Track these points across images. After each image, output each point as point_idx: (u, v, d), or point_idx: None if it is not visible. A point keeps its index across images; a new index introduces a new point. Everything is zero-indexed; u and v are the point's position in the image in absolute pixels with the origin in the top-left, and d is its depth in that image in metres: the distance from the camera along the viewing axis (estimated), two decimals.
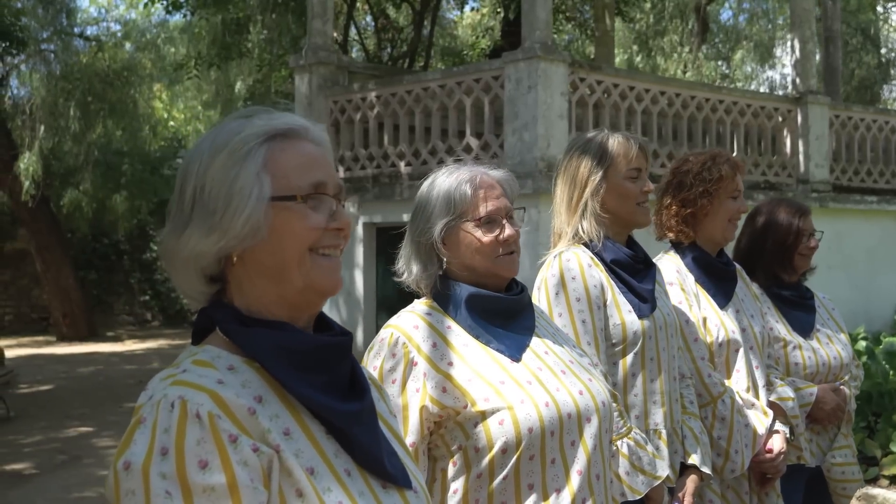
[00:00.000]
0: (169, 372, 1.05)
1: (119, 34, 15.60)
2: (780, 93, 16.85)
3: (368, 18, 13.45)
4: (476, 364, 1.63)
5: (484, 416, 1.57)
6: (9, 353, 9.40)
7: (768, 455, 2.44)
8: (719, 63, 21.93)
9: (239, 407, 1.01)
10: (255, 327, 1.08)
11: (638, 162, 2.17)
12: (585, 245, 2.15)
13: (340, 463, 1.07)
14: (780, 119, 8.54)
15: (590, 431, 1.63)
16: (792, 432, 2.55)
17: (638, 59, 18.91)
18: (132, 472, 0.96)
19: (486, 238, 1.67)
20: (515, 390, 1.60)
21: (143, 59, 14.60)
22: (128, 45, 15.27)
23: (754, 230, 2.82)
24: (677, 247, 2.56)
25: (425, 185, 1.75)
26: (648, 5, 16.20)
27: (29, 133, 13.07)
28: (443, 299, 1.71)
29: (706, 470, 2.22)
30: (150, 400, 1.01)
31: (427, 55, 11.85)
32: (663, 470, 2.05)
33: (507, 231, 1.69)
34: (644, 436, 2.07)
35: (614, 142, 2.17)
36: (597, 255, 2.14)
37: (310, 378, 1.08)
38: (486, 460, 1.58)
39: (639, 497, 2.00)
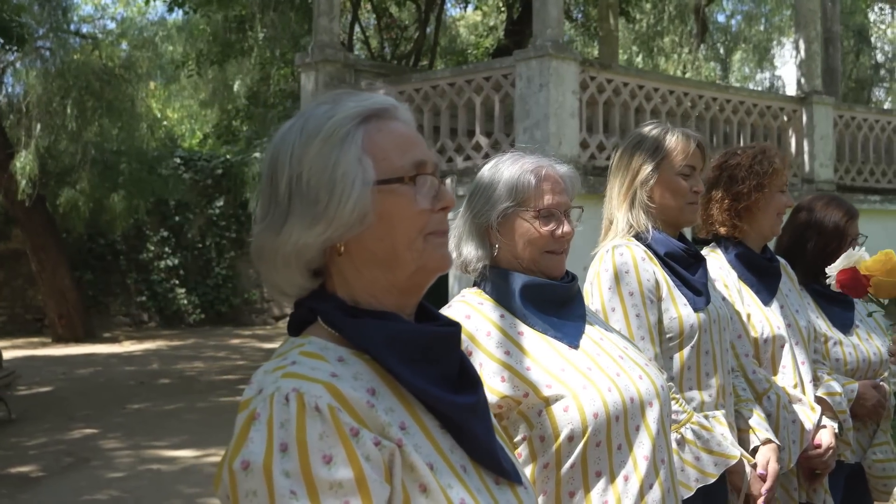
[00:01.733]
0: (276, 364, 1.00)
1: (115, 32, 15.46)
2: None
3: (371, 17, 13.40)
4: (534, 352, 1.61)
5: (548, 402, 1.55)
6: (5, 355, 9.25)
7: (817, 450, 2.42)
8: (717, 64, 22.03)
9: (356, 400, 0.96)
10: (363, 318, 1.04)
11: (693, 160, 2.15)
12: (637, 237, 2.13)
13: (456, 458, 1.03)
14: (786, 119, 8.57)
15: (652, 415, 1.61)
16: (840, 427, 2.53)
17: (638, 59, 18.97)
18: (252, 471, 0.91)
19: (544, 230, 1.66)
20: (576, 377, 1.58)
21: (140, 57, 14.47)
22: (124, 44, 15.14)
23: (797, 227, 2.78)
24: (719, 243, 2.54)
25: (487, 167, 1.73)
26: (649, 6, 16.26)
27: (24, 131, 12.91)
28: (493, 288, 1.69)
29: (777, 441, 2.22)
30: (260, 394, 0.96)
31: (432, 54, 11.82)
32: (734, 450, 2.04)
33: (565, 227, 1.68)
34: (706, 420, 2.06)
35: (672, 136, 2.16)
36: (649, 247, 2.12)
37: (424, 370, 1.03)
38: (552, 449, 1.55)
39: (713, 479, 1.98)
